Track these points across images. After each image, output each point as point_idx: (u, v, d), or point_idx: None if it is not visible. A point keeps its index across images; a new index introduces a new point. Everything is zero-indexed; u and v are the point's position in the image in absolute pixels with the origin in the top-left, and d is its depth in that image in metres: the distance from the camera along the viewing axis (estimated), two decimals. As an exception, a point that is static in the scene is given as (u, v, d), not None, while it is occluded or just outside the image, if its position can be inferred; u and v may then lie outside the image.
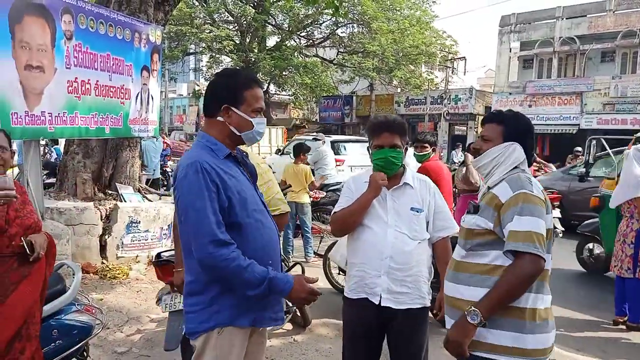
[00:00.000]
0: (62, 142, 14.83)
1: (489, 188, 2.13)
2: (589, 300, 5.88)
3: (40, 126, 4.76)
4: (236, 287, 1.92)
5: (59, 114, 4.95)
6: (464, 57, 28.38)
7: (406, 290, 2.49)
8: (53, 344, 2.82)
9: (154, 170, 10.91)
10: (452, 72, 29.00)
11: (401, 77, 23.71)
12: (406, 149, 2.65)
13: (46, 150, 12.04)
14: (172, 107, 45.44)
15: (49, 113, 4.83)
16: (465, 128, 27.56)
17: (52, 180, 7.58)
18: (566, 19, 24.07)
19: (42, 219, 4.88)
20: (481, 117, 19.65)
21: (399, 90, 28.74)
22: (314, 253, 7.13)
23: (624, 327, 4.91)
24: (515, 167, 2.12)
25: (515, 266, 1.91)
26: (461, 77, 29.50)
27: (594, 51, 23.81)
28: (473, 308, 1.90)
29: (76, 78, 5.11)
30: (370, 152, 2.65)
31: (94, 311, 3.24)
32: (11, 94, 4.41)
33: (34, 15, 4.58)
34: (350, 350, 2.71)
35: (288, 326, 4.58)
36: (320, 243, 7.28)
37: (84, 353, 3.20)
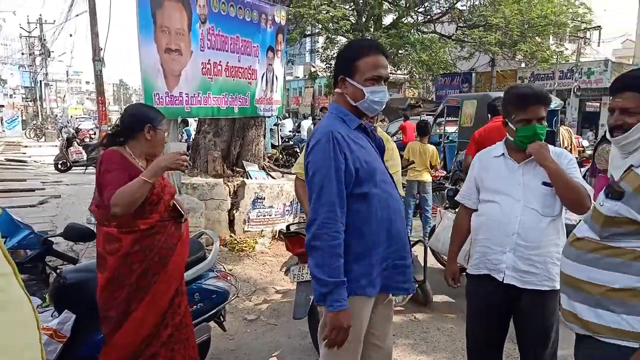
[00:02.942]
0: (191, 123, 16.01)
1: (631, 167, 1.83)
2: None
3: (178, 106, 5.13)
4: (311, 261, 1.93)
5: (194, 94, 5.29)
6: (599, 27, 25.73)
7: (534, 270, 2.35)
8: (195, 306, 3.03)
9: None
10: (585, 44, 26.50)
11: (526, 51, 22.10)
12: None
13: (178, 131, 12.99)
14: (289, 89, 46.76)
15: (185, 94, 5.18)
16: (598, 104, 25.21)
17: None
18: None
19: (180, 193, 5.29)
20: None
21: (523, 65, 26.92)
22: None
23: None
24: None
25: None
26: (595, 49, 26.89)
27: None
28: None
29: (209, 60, 5.42)
30: (511, 126, 2.45)
31: (229, 278, 3.45)
32: (154, 76, 4.80)
33: (172, 0, 4.90)
34: (473, 328, 2.65)
35: (408, 303, 4.53)
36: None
37: (221, 317, 3.41)
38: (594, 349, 1.86)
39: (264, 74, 6.32)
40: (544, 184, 2.37)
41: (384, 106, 2.12)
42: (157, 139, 2.56)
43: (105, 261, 2.45)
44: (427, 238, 6.77)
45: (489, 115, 5.03)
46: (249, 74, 6.05)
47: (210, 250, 3.36)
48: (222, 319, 3.44)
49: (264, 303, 4.65)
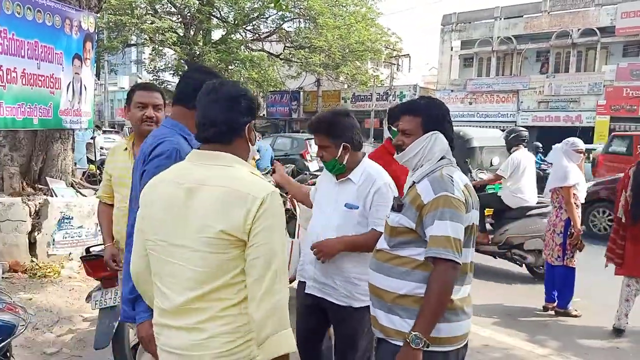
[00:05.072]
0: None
1: (414, 182, 2.07)
2: (521, 288, 6.13)
3: (-41, 116, 4.47)
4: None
5: (-19, 103, 4.67)
6: (408, 55, 28.93)
7: (331, 284, 2.54)
8: (-29, 345, 2.65)
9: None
10: (397, 69, 29.51)
11: (347, 73, 23.84)
12: (345, 147, 2.52)
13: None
14: (113, 100, 43.74)
15: (-31, 102, 4.55)
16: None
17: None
18: (504, 19, 25.06)
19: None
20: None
21: (345, 86, 28.95)
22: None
23: (552, 312, 5.15)
24: (443, 158, 2.06)
25: (437, 273, 1.91)
26: (406, 74, 30.08)
27: (529, 51, 24.90)
28: (413, 333, 1.87)
29: (1, 66, 4.83)
30: None
31: (17, 310, 3.06)
32: None
33: (-48, -2, 4.29)
34: (298, 322, 2.76)
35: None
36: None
37: (7, 354, 3.02)
38: (386, 350, 2.06)
39: (70, 83, 5.81)
40: (346, 205, 2.54)
41: None
42: None
43: None
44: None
45: None
46: (51, 82, 5.50)
47: None
48: (9, 355, 3.04)
49: (68, 333, 4.24)
